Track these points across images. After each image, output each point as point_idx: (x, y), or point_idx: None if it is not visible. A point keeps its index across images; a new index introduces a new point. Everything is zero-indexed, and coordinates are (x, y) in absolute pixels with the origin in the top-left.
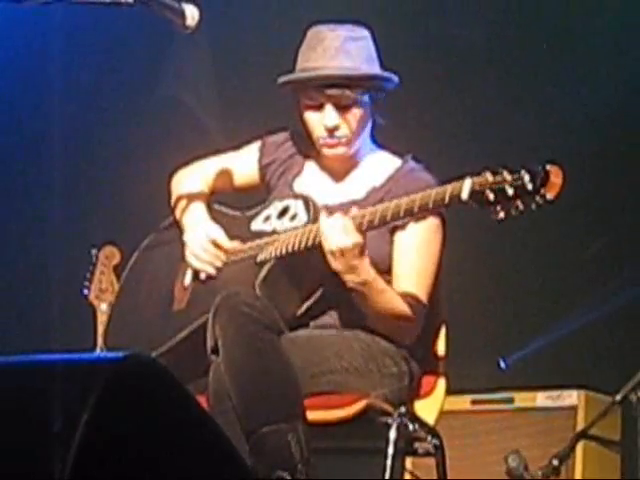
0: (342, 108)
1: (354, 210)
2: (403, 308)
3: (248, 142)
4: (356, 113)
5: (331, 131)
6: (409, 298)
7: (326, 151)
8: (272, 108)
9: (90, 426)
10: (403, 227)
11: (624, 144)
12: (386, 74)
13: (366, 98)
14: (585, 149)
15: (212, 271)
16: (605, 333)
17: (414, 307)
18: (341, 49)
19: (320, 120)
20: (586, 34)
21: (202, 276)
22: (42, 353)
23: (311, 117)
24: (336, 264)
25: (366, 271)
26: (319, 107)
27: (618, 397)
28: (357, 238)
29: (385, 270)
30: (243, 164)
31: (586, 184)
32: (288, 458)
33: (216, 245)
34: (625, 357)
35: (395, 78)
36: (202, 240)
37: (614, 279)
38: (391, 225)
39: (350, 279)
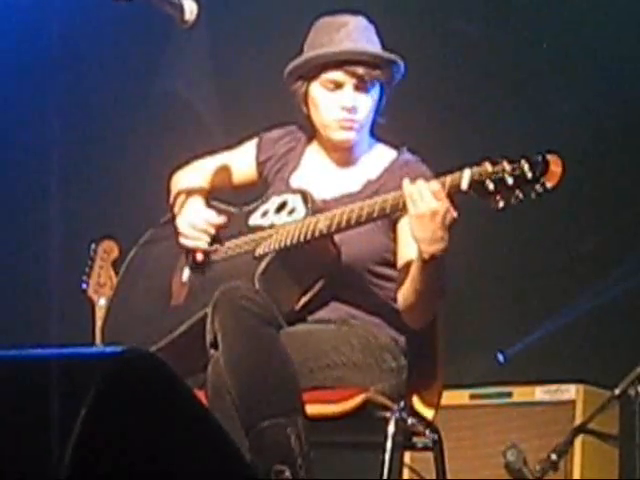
0: (361, 90)
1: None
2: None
3: (246, 139)
4: (373, 96)
5: (350, 111)
6: None
7: (338, 134)
8: (271, 104)
9: (88, 421)
10: (404, 215)
11: (623, 138)
12: (401, 61)
13: (378, 87)
14: (584, 142)
15: (204, 244)
16: (604, 327)
17: None
18: (364, 34)
19: (338, 100)
20: (586, 31)
21: (199, 257)
22: (40, 347)
23: (326, 98)
24: (421, 231)
25: (445, 242)
26: (337, 87)
27: (617, 391)
28: (447, 203)
29: (384, 263)
30: (241, 161)
31: (586, 177)
32: (287, 452)
33: (207, 222)
34: (624, 351)
35: (403, 68)
36: (191, 218)
37: (613, 272)
38: (393, 218)
39: (434, 249)
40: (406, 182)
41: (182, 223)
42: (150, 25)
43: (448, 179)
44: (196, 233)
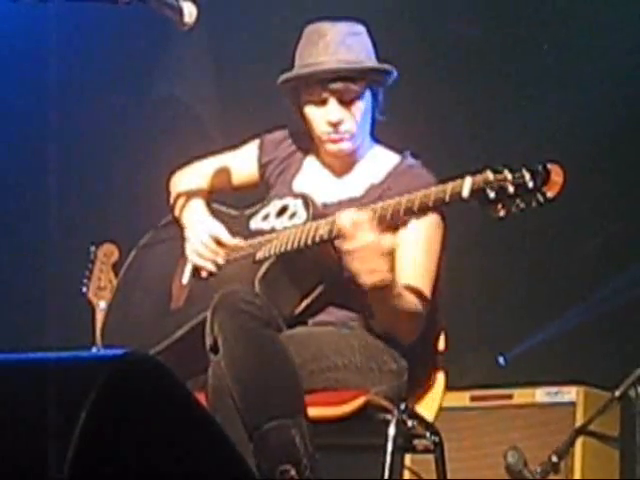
0: (345, 103)
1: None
2: (417, 307)
3: (246, 140)
4: (359, 107)
5: (335, 126)
6: (414, 293)
7: (330, 147)
8: (271, 107)
9: (89, 424)
10: (404, 224)
11: (624, 142)
12: (387, 67)
13: (367, 92)
14: (585, 147)
15: (213, 268)
16: (604, 329)
17: (421, 302)
18: (343, 43)
19: (323, 115)
20: (587, 33)
21: (203, 274)
22: (41, 351)
23: (314, 113)
24: (355, 264)
25: (387, 273)
26: (322, 102)
27: (617, 393)
28: (376, 235)
29: None
30: (242, 163)
31: (587, 181)
32: (293, 453)
33: (217, 242)
34: (624, 353)
35: (394, 71)
36: (203, 237)
37: (613, 275)
38: (392, 224)
39: (370, 281)
40: (337, 215)
41: (193, 239)
42: (149, 28)
43: (449, 187)
44: (208, 253)
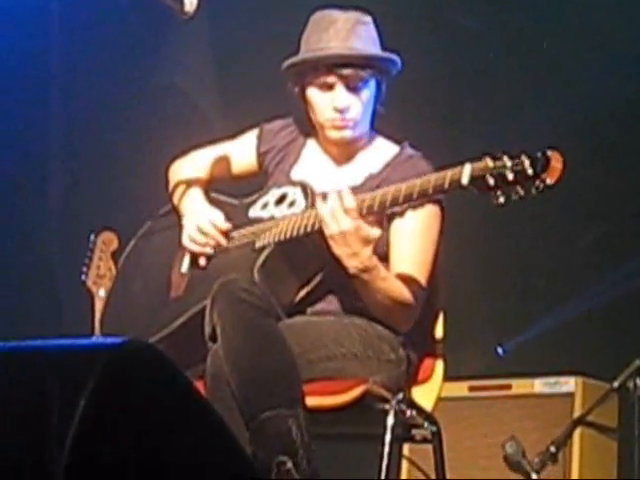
0: (352, 89)
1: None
2: (405, 295)
3: (246, 130)
4: (365, 95)
5: (342, 112)
6: (408, 281)
7: (333, 134)
8: (271, 96)
9: (88, 412)
10: (401, 214)
11: (625, 132)
12: (394, 57)
13: (372, 81)
14: (586, 136)
15: (210, 251)
16: (603, 320)
17: (413, 291)
18: (353, 31)
19: (330, 101)
20: (587, 28)
21: (202, 261)
22: (40, 339)
23: (319, 98)
24: (337, 249)
25: (368, 257)
26: (329, 88)
27: (616, 384)
28: (357, 222)
29: (382, 256)
30: (241, 152)
31: (586, 171)
32: (289, 443)
33: (215, 227)
34: (623, 344)
35: (399, 62)
36: (200, 222)
37: (612, 266)
38: (388, 212)
39: (351, 265)
40: (319, 203)
41: (190, 226)
42: (150, 16)
43: (448, 174)
44: (203, 239)
